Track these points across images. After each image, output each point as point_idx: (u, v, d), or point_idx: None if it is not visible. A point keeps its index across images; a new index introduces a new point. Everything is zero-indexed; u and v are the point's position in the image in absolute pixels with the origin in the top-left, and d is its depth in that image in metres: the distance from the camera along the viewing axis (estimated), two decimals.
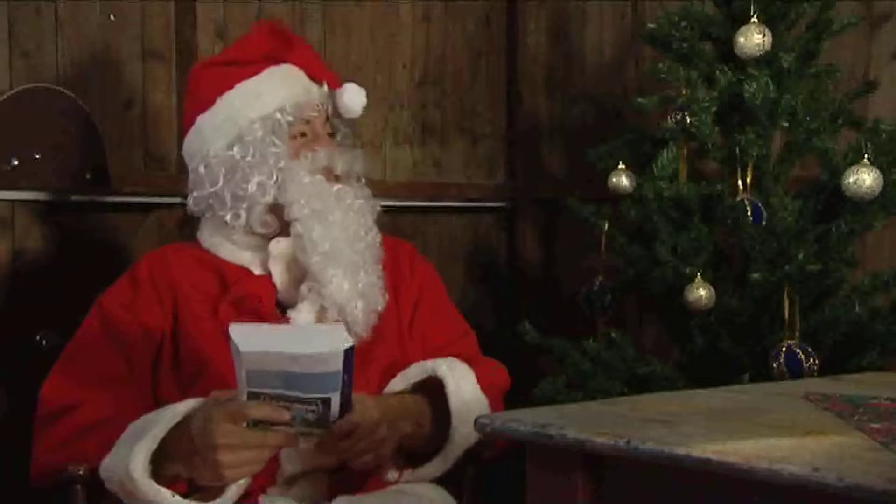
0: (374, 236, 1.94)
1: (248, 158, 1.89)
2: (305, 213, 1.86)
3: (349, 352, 1.53)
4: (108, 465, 1.66)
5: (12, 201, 2.40)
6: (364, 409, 1.66)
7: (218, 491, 1.65)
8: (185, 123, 2.01)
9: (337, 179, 1.93)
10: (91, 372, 1.83)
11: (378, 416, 1.69)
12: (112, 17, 2.56)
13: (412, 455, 1.85)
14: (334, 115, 1.98)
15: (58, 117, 2.42)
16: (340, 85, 1.99)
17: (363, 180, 1.98)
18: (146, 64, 2.62)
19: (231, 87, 1.94)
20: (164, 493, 1.61)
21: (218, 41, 2.72)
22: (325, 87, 1.98)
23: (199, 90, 1.99)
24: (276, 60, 1.98)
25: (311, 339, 1.57)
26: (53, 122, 2.41)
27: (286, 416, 1.56)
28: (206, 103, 1.95)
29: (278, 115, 1.91)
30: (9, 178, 2.36)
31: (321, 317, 1.85)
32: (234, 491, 1.65)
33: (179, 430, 1.63)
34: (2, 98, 2.36)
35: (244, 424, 1.57)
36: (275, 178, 1.89)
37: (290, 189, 1.87)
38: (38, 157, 2.39)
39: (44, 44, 2.45)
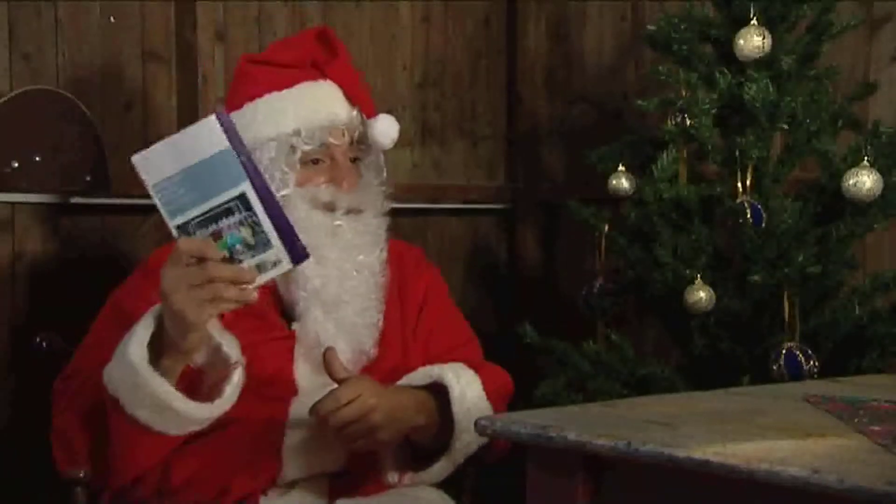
0: (374, 270, 1.89)
1: None
2: None
3: (224, 119, 1.48)
4: (109, 368, 1.62)
5: (12, 203, 2.40)
6: (358, 390, 1.67)
7: (216, 393, 1.63)
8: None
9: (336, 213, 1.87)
10: (106, 360, 1.82)
11: (374, 403, 1.68)
12: (112, 18, 2.56)
13: (415, 456, 1.85)
14: (360, 141, 1.91)
15: (58, 119, 2.42)
16: (375, 113, 1.92)
17: (377, 210, 1.92)
18: (146, 65, 2.62)
19: (260, 95, 1.90)
20: (166, 385, 1.57)
21: (218, 42, 2.72)
22: (357, 112, 1.91)
23: (236, 87, 1.96)
24: (316, 73, 1.92)
25: (190, 126, 1.53)
26: (53, 124, 2.41)
27: (217, 251, 1.50)
28: (238, 104, 1.92)
29: (294, 140, 1.85)
30: (9, 181, 2.36)
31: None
32: (231, 388, 1.62)
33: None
34: (2, 100, 2.36)
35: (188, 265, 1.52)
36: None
37: None
38: (38, 159, 2.39)
39: (44, 46, 2.45)
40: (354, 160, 1.91)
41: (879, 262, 2.67)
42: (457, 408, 1.80)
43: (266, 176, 1.61)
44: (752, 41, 2.32)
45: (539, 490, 1.33)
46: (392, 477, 1.83)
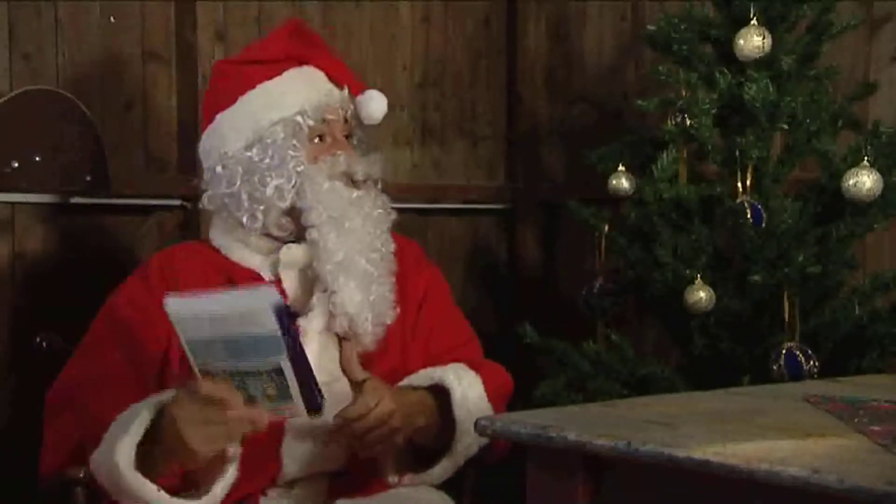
0: (389, 247, 1.93)
1: (267, 161, 1.87)
2: (322, 220, 1.85)
3: (281, 309, 1.50)
4: (96, 458, 1.65)
5: (12, 203, 2.40)
6: (380, 394, 1.67)
7: (208, 485, 1.64)
8: (203, 120, 2.00)
9: (356, 185, 1.91)
10: (96, 373, 1.83)
11: (394, 406, 1.69)
12: (112, 18, 2.56)
13: (416, 456, 1.85)
14: (352, 119, 1.96)
15: (58, 119, 2.42)
16: (362, 90, 1.97)
17: (380, 185, 1.97)
18: (146, 65, 2.62)
19: (252, 87, 1.92)
20: (150, 486, 1.60)
21: (218, 42, 2.72)
22: (346, 91, 1.96)
23: (220, 88, 1.98)
24: (299, 61, 1.96)
25: (238, 298, 1.54)
26: (53, 124, 2.41)
27: (239, 398, 1.54)
28: (227, 102, 1.93)
29: (299, 118, 1.89)
30: (9, 180, 2.36)
31: (331, 326, 1.85)
32: (222, 487, 1.64)
33: (162, 418, 1.62)
34: (2, 100, 2.36)
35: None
36: (293, 182, 1.87)
37: (308, 194, 1.86)
38: (38, 159, 2.39)
39: (44, 46, 2.45)
40: (347, 137, 1.95)
41: (879, 262, 2.67)
42: (458, 410, 1.80)
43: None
44: (752, 41, 2.32)
45: (539, 490, 1.33)
46: (392, 478, 1.83)
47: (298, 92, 1.92)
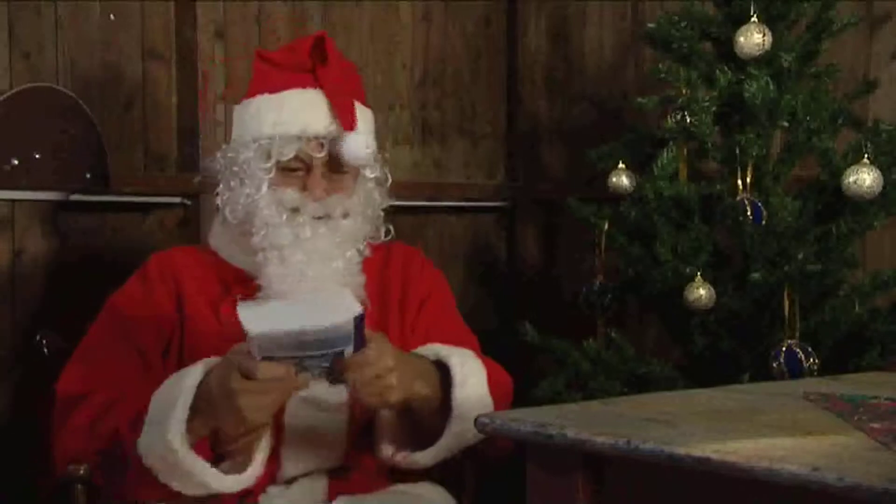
0: (338, 276, 1.89)
1: (237, 170, 1.89)
2: (265, 245, 1.86)
3: (359, 319, 1.55)
4: (145, 441, 1.68)
5: (12, 201, 2.40)
6: (381, 350, 1.67)
7: (245, 459, 1.70)
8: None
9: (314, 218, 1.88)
10: (104, 364, 1.84)
11: (392, 364, 1.68)
12: (112, 17, 2.56)
13: (413, 438, 1.85)
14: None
15: (58, 117, 2.42)
16: (354, 126, 1.89)
17: (356, 214, 1.91)
18: (146, 64, 2.62)
19: (253, 95, 1.92)
20: (202, 464, 1.65)
21: (218, 40, 2.72)
22: (336, 125, 1.88)
23: (251, 79, 1.98)
24: (306, 80, 1.91)
25: (319, 309, 1.58)
26: (53, 122, 2.41)
27: (295, 378, 1.60)
28: (244, 96, 1.96)
29: (270, 145, 1.86)
30: (9, 178, 2.36)
31: None
32: (260, 460, 1.71)
33: (201, 387, 1.66)
34: (2, 98, 2.36)
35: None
36: (241, 203, 1.87)
37: (256, 220, 1.86)
38: (38, 156, 2.39)
39: (44, 44, 2.45)
40: (342, 171, 1.89)
41: (879, 261, 2.67)
42: (457, 391, 1.79)
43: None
44: (753, 39, 2.32)
45: (539, 489, 1.33)
46: (387, 450, 1.82)
47: (280, 118, 1.87)
